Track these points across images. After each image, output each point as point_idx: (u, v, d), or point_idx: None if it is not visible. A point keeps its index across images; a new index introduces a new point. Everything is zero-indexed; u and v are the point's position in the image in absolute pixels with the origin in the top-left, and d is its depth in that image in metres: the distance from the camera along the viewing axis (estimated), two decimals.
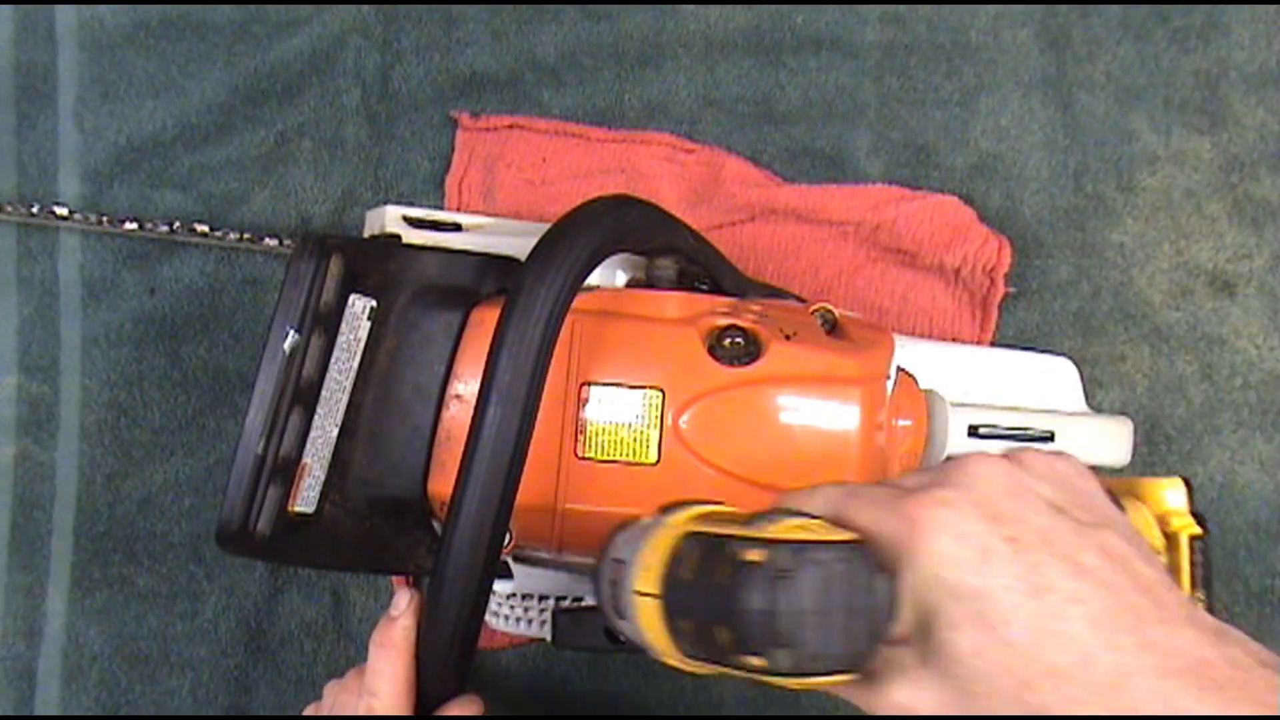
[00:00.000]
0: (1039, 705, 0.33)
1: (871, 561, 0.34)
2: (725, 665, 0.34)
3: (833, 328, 0.60)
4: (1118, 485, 0.51)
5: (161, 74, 0.74)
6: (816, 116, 0.75)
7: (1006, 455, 0.38)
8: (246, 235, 0.71)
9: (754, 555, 0.33)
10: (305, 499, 0.53)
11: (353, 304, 0.53)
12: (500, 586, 0.61)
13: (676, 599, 0.36)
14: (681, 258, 0.58)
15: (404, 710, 0.48)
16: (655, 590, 0.37)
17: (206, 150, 0.74)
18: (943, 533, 0.34)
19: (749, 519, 0.37)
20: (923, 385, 0.63)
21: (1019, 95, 0.76)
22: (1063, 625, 0.33)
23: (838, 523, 0.37)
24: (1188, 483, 0.51)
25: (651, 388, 0.52)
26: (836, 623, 0.33)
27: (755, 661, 0.33)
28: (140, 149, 0.74)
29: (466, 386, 0.55)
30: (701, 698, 0.72)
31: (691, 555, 0.36)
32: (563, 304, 0.47)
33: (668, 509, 0.40)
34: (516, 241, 0.59)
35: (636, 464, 0.52)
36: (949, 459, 0.38)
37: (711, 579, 0.34)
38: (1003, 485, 0.36)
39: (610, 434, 0.52)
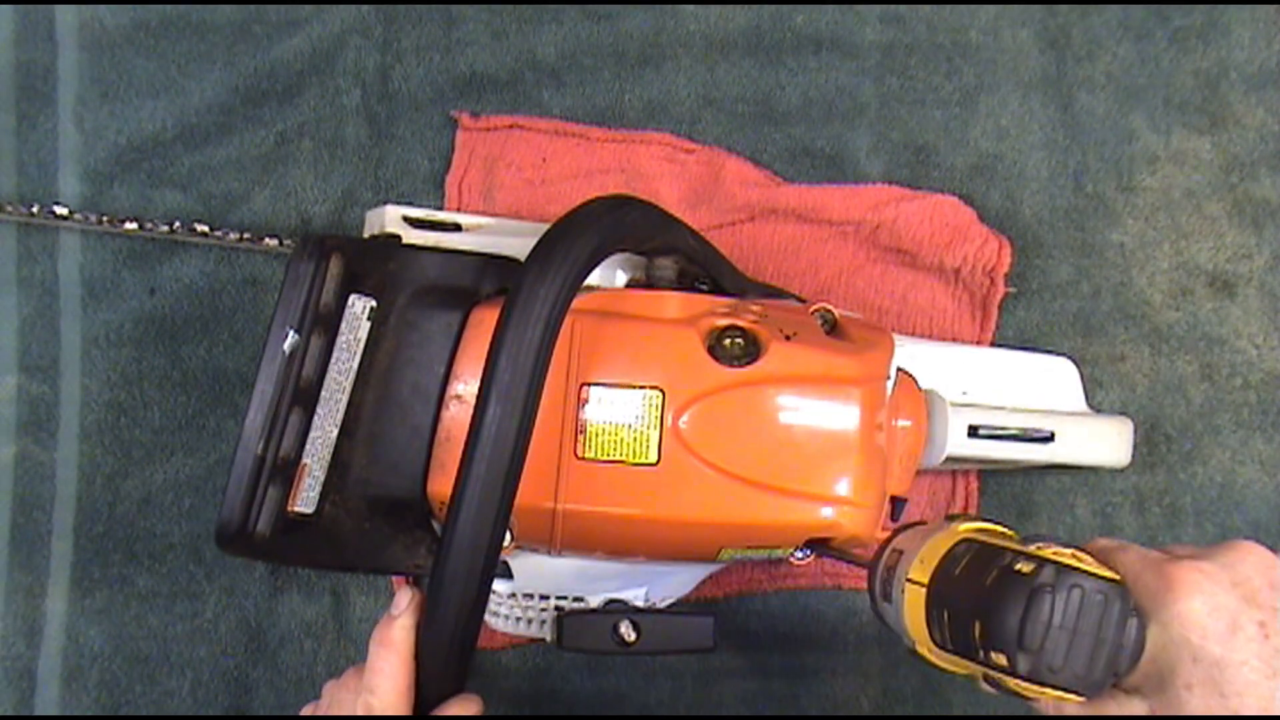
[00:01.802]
0: None
1: (1128, 604, 0.38)
2: (968, 657, 0.39)
3: (832, 328, 0.60)
4: None
5: (161, 74, 0.74)
6: (816, 116, 0.75)
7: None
8: (246, 235, 0.71)
9: (1024, 566, 0.38)
10: (305, 499, 0.53)
11: (352, 304, 0.53)
12: (500, 586, 0.61)
13: (941, 590, 0.41)
14: (681, 258, 0.58)
15: (402, 709, 0.48)
16: (924, 580, 0.42)
17: (206, 150, 0.74)
18: (1197, 598, 0.37)
19: (1024, 540, 0.41)
20: (923, 385, 0.63)
21: (1019, 95, 0.75)
22: None
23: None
24: None
25: (651, 388, 0.52)
26: (1081, 645, 0.37)
27: (999, 658, 0.38)
28: (140, 149, 0.74)
29: (466, 387, 0.55)
30: (702, 697, 0.72)
31: (965, 557, 0.41)
32: (562, 304, 0.47)
33: (952, 517, 0.45)
34: (516, 241, 0.59)
35: (636, 464, 0.52)
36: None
37: (979, 579, 0.39)
38: (1265, 574, 0.38)
39: (610, 434, 0.52)
